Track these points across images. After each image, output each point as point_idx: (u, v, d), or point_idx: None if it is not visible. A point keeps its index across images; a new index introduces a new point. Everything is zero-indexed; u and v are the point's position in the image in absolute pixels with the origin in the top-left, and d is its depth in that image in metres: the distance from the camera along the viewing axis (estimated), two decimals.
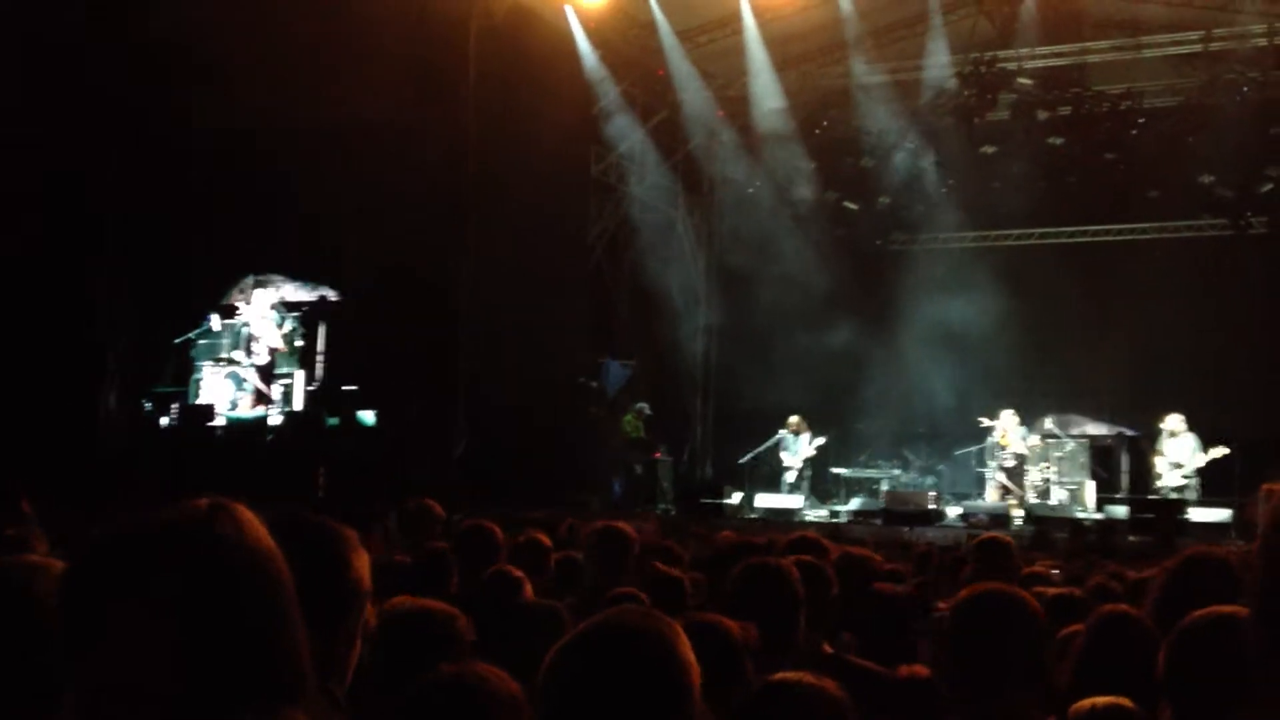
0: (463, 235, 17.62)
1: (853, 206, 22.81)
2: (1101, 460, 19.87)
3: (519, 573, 5.25)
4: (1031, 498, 18.45)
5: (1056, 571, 8.24)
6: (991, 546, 6.59)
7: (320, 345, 18.19)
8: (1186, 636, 2.73)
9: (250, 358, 17.55)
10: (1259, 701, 1.68)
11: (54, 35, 14.62)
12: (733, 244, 23.07)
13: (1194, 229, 21.25)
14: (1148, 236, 21.53)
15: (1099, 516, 17.83)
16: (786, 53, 21.15)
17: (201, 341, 17.72)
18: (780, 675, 2.70)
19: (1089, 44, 20.42)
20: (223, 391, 17.38)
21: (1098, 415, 21.20)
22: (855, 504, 19.53)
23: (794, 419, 19.64)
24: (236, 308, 17.96)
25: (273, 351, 17.64)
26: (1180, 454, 17.24)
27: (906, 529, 16.42)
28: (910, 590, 4.96)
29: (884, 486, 19.85)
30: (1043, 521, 16.82)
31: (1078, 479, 19.22)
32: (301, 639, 1.72)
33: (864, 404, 21.43)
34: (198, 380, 17.58)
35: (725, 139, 22.65)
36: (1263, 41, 19.12)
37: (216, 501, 1.70)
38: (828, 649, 4.30)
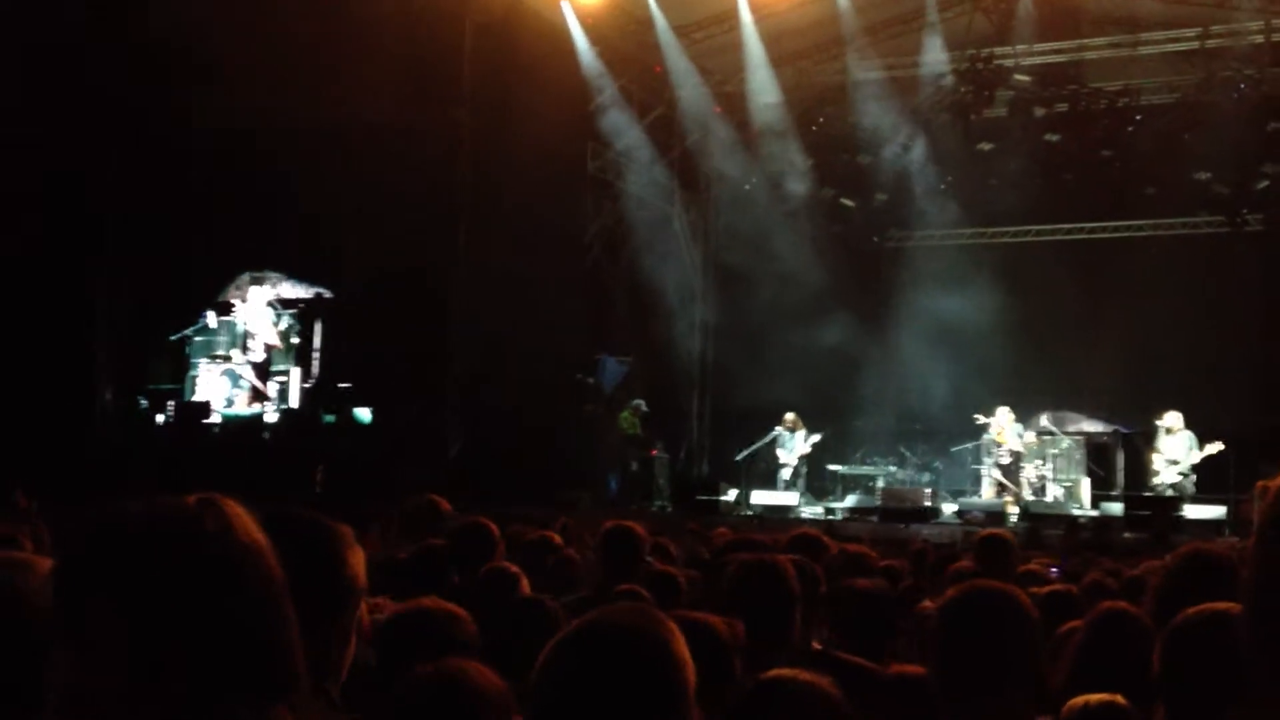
0: (458, 232, 17.62)
1: (849, 203, 22.81)
2: (1097, 457, 19.88)
3: (515, 568, 5.25)
4: (1027, 495, 18.46)
5: (1055, 570, 8.24)
6: (993, 543, 6.60)
7: (316, 342, 18.19)
8: (1180, 634, 2.72)
9: (246, 355, 17.53)
10: (1253, 699, 1.68)
11: (54, 35, 14.64)
12: (729, 241, 23.06)
13: (1190, 226, 21.29)
14: (1144, 234, 21.57)
15: (1095, 513, 17.86)
16: (783, 49, 21.12)
17: (198, 338, 17.71)
18: (775, 672, 2.69)
19: (1086, 41, 20.41)
20: (219, 389, 17.36)
21: (1093, 412, 21.20)
22: (851, 501, 19.54)
23: (790, 416, 19.65)
24: (233, 305, 17.95)
25: (269, 348, 17.62)
26: (1177, 451, 17.24)
27: (902, 526, 16.43)
28: (888, 586, 4.95)
29: (880, 484, 19.87)
30: (1037, 518, 16.84)
31: (1073, 476, 19.24)
32: (294, 636, 1.71)
33: (860, 401, 21.44)
34: (194, 377, 17.57)
35: (722, 135, 22.62)
36: (1259, 38, 19.12)
37: (205, 497, 1.69)
38: (817, 646, 4.30)
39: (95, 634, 1.57)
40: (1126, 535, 15.76)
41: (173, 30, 14.48)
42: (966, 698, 2.89)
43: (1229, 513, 16.17)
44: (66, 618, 1.60)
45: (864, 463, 20.84)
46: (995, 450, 18.77)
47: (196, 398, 17.25)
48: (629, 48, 21.00)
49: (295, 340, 17.91)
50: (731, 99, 22.16)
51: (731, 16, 20.53)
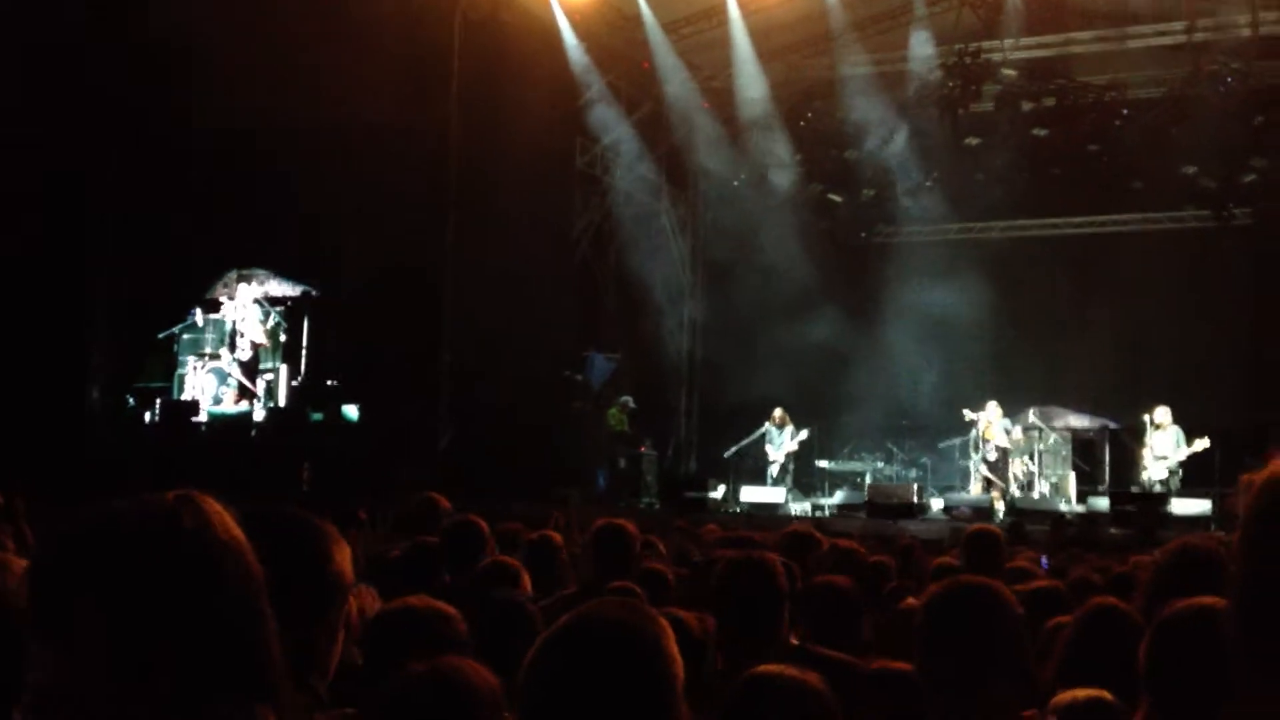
0: (447, 229, 17.60)
1: (837, 199, 22.82)
2: (1084, 453, 19.90)
3: (515, 563, 5.25)
4: (1014, 490, 18.49)
5: (1045, 561, 8.25)
6: (980, 539, 6.61)
7: (304, 340, 18.15)
8: (1167, 629, 2.72)
9: (234, 353, 17.49)
10: (1238, 694, 1.68)
11: (54, 35, 14.63)
12: (717, 237, 23.08)
13: (1177, 220, 21.34)
14: (1131, 228, 21.61)
15: (1081, 509, 17.88)
16: (771, 44, 21.12)
17: (185, 336, 17.67)
18: (763, 668, 2.70)
19: (1073, 35, 20.41)
20: (206, 387, 17.33)
21: (1080, 408, 21.22)
22: (839, 497, 19.56)
23: (778, 412, 19.66)
24: (220, 302, 17.91)
25: (256, 346, 17.58)
26: (1165, 447, 17.27)
27: (890, 522, 16.44)
28: (853, 583, 4.93)
29: (868, 480, 19.89)
30: (1022, 514, 16.85)
31: (1060, 472, 19.29)
32: (274, 634, 1.70)
33: (848, 397, 21.42)
34: (181, 375, 17.53)
35: (709, 131, 22.61)
36: (1246, 32, 19.15)
37: (183, 494, 1.68)
38: (794, 641, 4.30)
39: (79, 634, 1.56)
40: (1112, 531, 15.79)
41: (172, 30, 14.50)
42: (952, 692, 2.89)
43: (1214, 507, 16.19)
44: (47, 618, 1.58)
45: (852, 459, 20.87)
46: (983, 446, 18.80)
47: (184, 396, 17.21)
48: (617, 43, 20.98)
49: (283, 338, 17.87)
50: (719, 94, 22.16)
51: (719, 12, 20.53)
